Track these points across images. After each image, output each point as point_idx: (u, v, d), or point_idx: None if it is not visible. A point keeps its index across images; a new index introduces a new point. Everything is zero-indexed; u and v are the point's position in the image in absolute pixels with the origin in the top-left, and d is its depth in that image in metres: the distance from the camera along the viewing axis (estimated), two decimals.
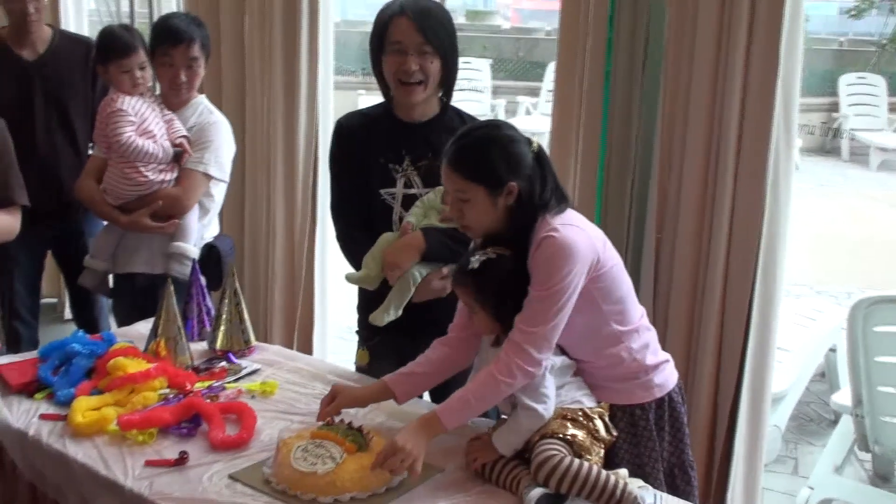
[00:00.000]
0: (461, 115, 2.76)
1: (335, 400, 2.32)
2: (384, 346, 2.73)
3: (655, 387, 2.27)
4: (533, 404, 2.10)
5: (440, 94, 2.71)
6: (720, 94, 2.87)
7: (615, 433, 2.18)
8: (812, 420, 4.65)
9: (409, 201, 2.68)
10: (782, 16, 2.73)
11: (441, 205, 2.57)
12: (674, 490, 2.26)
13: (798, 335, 4.54)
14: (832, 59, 13.38)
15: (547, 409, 2.11)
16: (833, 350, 4.60)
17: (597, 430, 2.12)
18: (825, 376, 4.75)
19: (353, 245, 2.74)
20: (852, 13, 12.78)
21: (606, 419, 2.17)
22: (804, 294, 6.54)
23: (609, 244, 2.22)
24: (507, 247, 2.16)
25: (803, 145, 11.33)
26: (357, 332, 2.89)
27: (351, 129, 2.77)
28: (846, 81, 11.94)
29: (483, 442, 2.16)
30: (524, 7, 19.03)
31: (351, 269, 2.71)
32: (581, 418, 2.12)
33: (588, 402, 2.17)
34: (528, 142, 2.17)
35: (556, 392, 2.14)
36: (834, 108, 11.93)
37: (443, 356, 2.33)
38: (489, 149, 2.13)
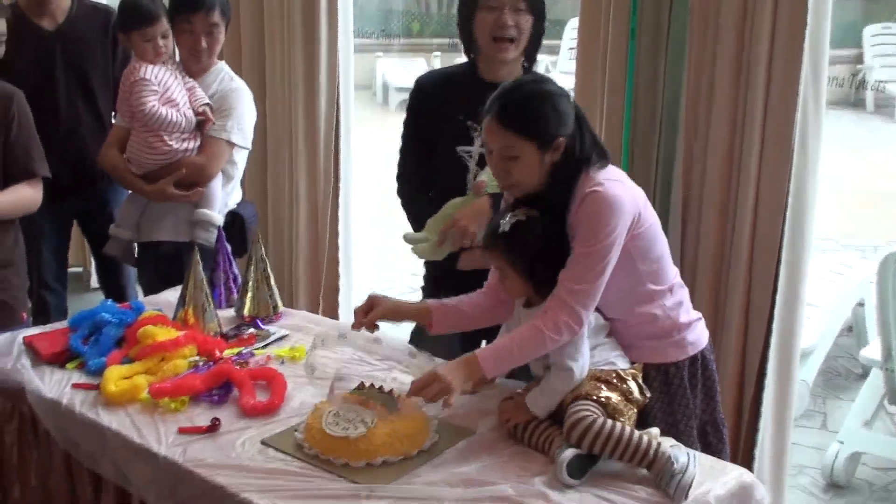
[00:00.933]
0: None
1: (373, 310, 2.31)
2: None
3: (689, 345, 2.27)
4: (569, 362, 2.09)
5: (523, 60, 2.71)
6: (747, 48, 2.82)
7: (649, 395, 2.17)
8: (840, 374, 4.63)
9: (483, 160, 2.64)
10: None
11: None
12: (706, 447, 2.27)
13: (825, 290, 4.51)
14: (857, 9, 13.17)
15: (581, 370, 2.10)
16: (861, 304, 4.58)
17: (630, 392, 2.11)
18: (852, 330, 4.72)
19: (416, 206, 2.75)
20: None
21: (640, 380, 2.16)
22: (830, 249, 6.50)
23: (648, 203, 2.20)
24: (541, 205, 2.13)
25: (827, 98, 11.19)
26: (421, 287, 2.90)
27: (432, 86, 2.80)
28: (871, 32, 11.77)
29: (516, 403, 2.16)
30: None
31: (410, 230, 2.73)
32: (615, 380, 2.11)
33: (622, 364, 2.16)
34: (568, 95, 2.16)
35: (589, 353, 2.13)
36: (859, 59, 11.78)
37: (487, 305, 2.32)
38: (540, 103, 2.10)
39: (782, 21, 2.76)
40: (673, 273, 2.28)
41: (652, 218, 2.19)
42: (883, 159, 9.55)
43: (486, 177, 2.58)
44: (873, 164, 9.37)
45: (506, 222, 2.12)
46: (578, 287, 2.06)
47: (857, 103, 11.83)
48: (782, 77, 2.79)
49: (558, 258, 2.10)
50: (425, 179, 2.79)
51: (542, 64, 11.37)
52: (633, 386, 2.13)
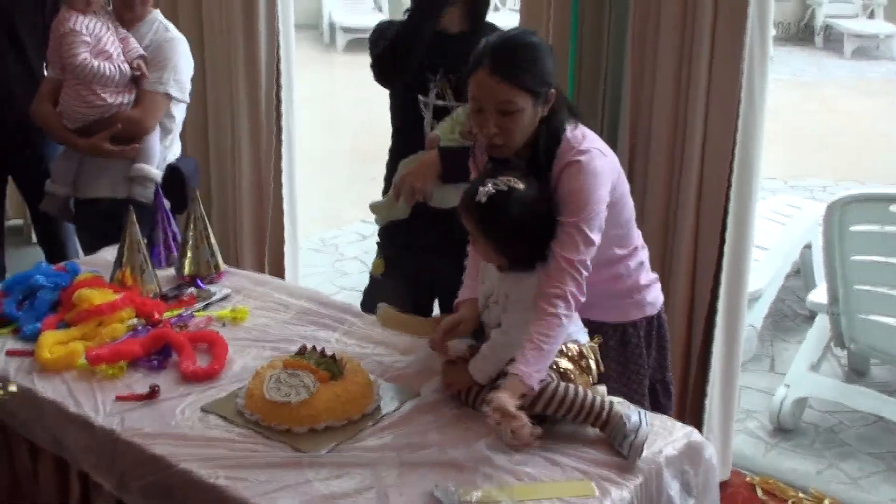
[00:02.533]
0: (497, 30, 2.63)
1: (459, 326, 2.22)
2: (399, 258, 2.70)
3: (647, 305, 2.29)
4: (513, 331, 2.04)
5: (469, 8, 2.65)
6: None
7: (603, 369, 2.13)
8: (787, 317, 4.67)
9: (439, 112, 2.63)
10: None
11: (466, 120, 2.48)
12: (655, 405, 2.29)
13: (773, 232, 4.53)
14: None
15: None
16: (808, 247, 4.60)
17: (588, 368, 2.08)
18: (800, 273, 4.76)
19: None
20: None
21: (598, 356, 2.12)
22: (779, 189, 6.52)
23: (622, 170, 2.17)
24: (524, 170, 2.05)
25: (778, 33, 11.22)
26: (376, 241, 2.85)
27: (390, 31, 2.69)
28: None
29: (459, 369, 2.12)
30: None
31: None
32: (575, 355, 2.07)
33: (583, 339, 2.11)
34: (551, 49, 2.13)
35: None
36: None
37: None
38: (533, 54, 2.04)
39: None
40: (636, 235, 2.28)
41: (624, 185, 2.17)
42: (831, 96, 9.59)
43: (439, 132, 2.55)
44: (822, 100, 9.41)
45: (484, 191, 1.99)
46: (576, 257, 2.00)
47: (805, 39, 11.85)
48: (728, 20, 2.74)
49: (539, 234, 2.03)
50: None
51: (491, 2, 11.26)
52: (591, 362, 2.09)
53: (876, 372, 4.05)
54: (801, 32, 11.93)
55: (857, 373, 4.04)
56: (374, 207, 2.66)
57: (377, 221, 2.73)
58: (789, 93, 9.31)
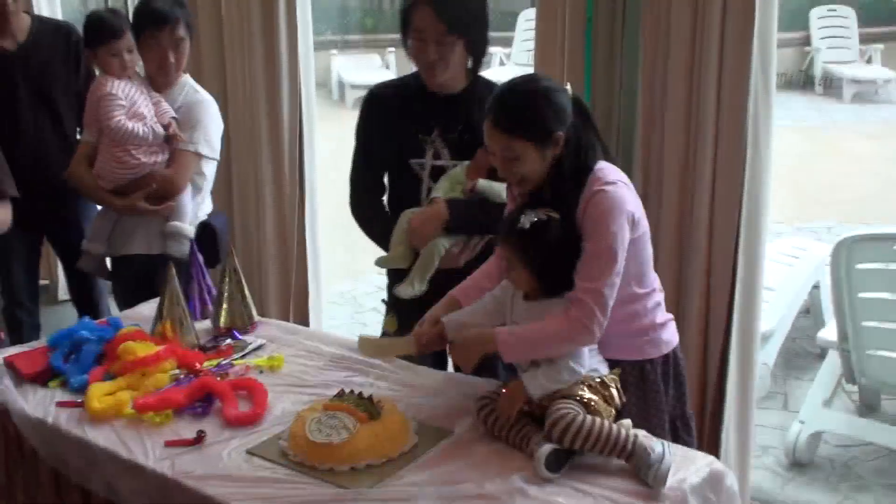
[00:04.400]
0: (491, 87, 2.72)
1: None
2: (411, 311, 2.74)
3: (663, 343, 2.38)
4: (575, 366, 2.15)
5: (469, 66, 2.72)
6: (699, 39, 2.90)
7: (624, 399, 2.23)
8: (799, 355, 4.77)
9: (437, 172, 2.72)
10: None
11: (463, 179, 2.62)
12: (676, 440, 2.35)
13: (782, 273, 4.64)
14: None
15: (583, 368, 2.16)
16: (817, 287, 4.71)
17: (611, 398, 2.18)
18: (810, 312, 4.86)
19: (368, 212, 2.81)
20: None
21: (619, 385, 2.22)
22: (784, 232, 6.64)
23: (644, 212, 2.28)
24: (552, 204, 2.18)
25: (779, 81, 11.40)
26: (383, 301, 2.94)
27: (383, 99, 2.81)
28: (817, 14, 12.00)
29: (509, 394, 2.20)
30: None
31: (379, 252, 2.79)
32: (598, 385, 2.17)
33: (604, 370, 2.21)
34: (565, 90, 2.21)
35: None
36: (806, 42, 12.00)
37: (497, 273, 2.38)
38: (535, 103, 2.15)
39: (731, 14, 2.84)
40: (654, 276, 2.38)
41: (646, 226, 2.28)
42: (832, 139, 9.74)
43: (441, 193, 2.65)
44: (824, 144, 9.55)
45: (526, 219, 2.13)
46: (591, 285, 2.12)
47: (806, 84, 12.04)
48: (732, 71, 2.87)
49: (569, 262, 2.16)
50: (376, 189, 2.83)
51: (496, 56, 11.47)
52: (613, 392, 2.19)
53: (887, 406, 4.13)
54: (801, 79, 12.13)
55: (868, 407, 4.12)
56: (380, 262, 2.76)
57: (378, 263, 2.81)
58: (791, 138, 9.46)
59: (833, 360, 3.84)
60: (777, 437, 3.95)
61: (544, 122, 2.15)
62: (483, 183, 2.62)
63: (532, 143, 2.15)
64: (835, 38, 11.84)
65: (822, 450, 3.85)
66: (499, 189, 2.59)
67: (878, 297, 3.61)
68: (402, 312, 2.79)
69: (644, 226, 2.27)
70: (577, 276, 2.15)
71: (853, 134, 9.97)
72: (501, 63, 11.39)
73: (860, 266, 3.56)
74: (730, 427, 3.15)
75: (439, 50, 2.60)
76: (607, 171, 2.21)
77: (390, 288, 2.85)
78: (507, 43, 11.65)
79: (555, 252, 2.15)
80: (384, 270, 2.93)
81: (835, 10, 12.12)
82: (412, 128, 2.72)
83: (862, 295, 3.59)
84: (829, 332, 3.86)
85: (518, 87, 2.21)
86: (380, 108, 2.81)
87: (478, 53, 2.70)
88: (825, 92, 11.72)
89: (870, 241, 3.57)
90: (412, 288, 2.66)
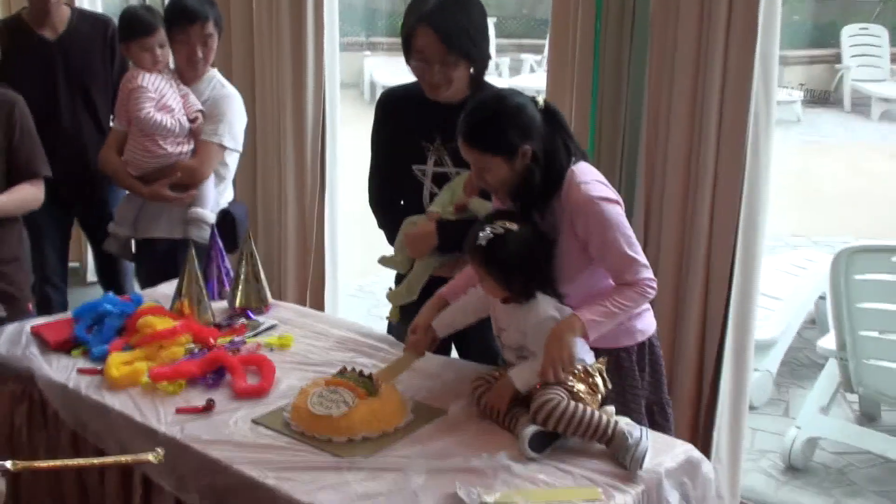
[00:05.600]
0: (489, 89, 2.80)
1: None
2: (414, 306, 2.82)
3: (638, 332, 2.50)
4: None
5: (471, 75, 2.77)
6: (703, 54, 3.00)
7: (610, 386, 2.35)
8: (803, 365, 4.84)
9: (438, 178, 2.82)
10: None
11: (461, 192, 2.72)
12: (653, 425, 2.48)
13: (789, 284, 4.73)
14: (835, 10, 13.42)
15: None
16: (823, 297, 4.78)
17: (595, 385, 2.30)
18: (815, 323, 4.94)
19: (382, 213, 2.94)
20: None
21: (604, 374, 2.34)
22: (802, 245, 6.71)
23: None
24: (523, 209, 2.33)
25: (805, 97, 11.45)
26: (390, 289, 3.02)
27: (390, 104, 2.91)
28: (849, 33, 11.99)
29: (497, 390, 2.33)
30: None
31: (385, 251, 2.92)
32: (582, 374, 2.29)
33: (589, 359, 2.33)
34: (535, 102, 2.34)
35: None
36: (837, 59, 12.00)
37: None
38: (499, 121, 2.29)
39: (735, 29, 2.93)
40: None
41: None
42: (858, 157, 9.77)
43: (439, 207, 2.75)
44: (850, 161, 9.58)
45: (483, 236, 2.26)
46: (632, 266, 2.31)
47: (835, 102, 12.05)
48: (734, 94, 2.97)
49: (535, 267, 2.30)
50: (391, 185, 2.93)
51: (527, 63, 11.59)
52: (598, 379, 2.31)
53: (887, 417, 4.21)
54: (830, 96, 12.15)
55: (868, 417, 4.20)
56: (382, 261, 2.90)
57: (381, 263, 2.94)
58: (818, 154, 9.53)
59: (832, 369, 3.92)
60: (776, 441, 4.03)
61: (508, 138, 2.28)
62: (476, 202, 2.70)
63: (499, 156, 2.30)
64: (866, 56, 11.84)
65: (819, 456, 3.93)
66: (489, 207, 2.66)
67: (876, 308, 3.69)
68: (403, 307, 2.89)
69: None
70: (611, 273, 2.34)
71: (878, 152, 9.99)
72: (532, 70, 11.50)
73: (858, 276, 3.65)
74: (722, 427, 3.23)
75: (443, 70, 2.67)
76: (582, 169, 2.36)
77: (397, 281, 2.97)
78: (538, 50, 11.73)
79: (517, 262, 2.27)
80: None
81: (867, 28, 12.11)
82: (415, 134, 2.82)
83: (860, 305, 3.68)
84: (828, 341, 3.93)
85: (486, 105, 2.34)
86: (388, 113, 2.91)
87: (480, 66, 2.76)
88: (853, 109, 11.72)
89: (868, 252, 3.66)
90: (403, 296, 2.81)
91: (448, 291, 2.58)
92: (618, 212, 2.33)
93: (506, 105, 2.31)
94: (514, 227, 2.28)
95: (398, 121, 2.87)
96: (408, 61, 2.74)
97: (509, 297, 2.34)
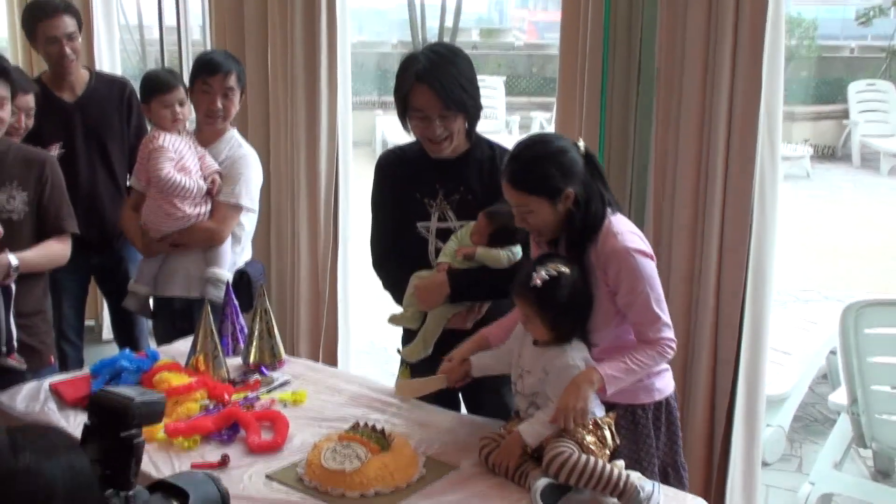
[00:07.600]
0: (491, 146, 2.89)
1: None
2: (423, 364, 2.86)
3: (656, 390, 2.52)
4: None
5: (466, 129, 2.82)
6: (708, 111, 3.07)
7: (619, 441, 2.37)
8: (816, 420, 4.84)
9: (442, 234, 2.85)
10: (764, 29, 2.92)
11: (468, 241, 2.77)
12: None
13: (800, 339, 4.74)
14: (842, 67, 13.58)
15: None
16: (834, 352, 4.78)
17: (605, 438, 2.32)
18: (827, 377, 4.94)
19: (386, 273, 2.96)
20: (861, 20, 12.92)
21: (613, 428, 2.36)
22: (812, 299, 6.73)
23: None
24: (568, 252, 2.39)
25: (815, 153, 11.54)
26: (398, 350, 3.05)
27: (389, 167, 2.96)
28: (856, 89, 12.12)
29: (506, 447, 2.35)
30: (540, 20, 19.23)
31: (393, 309, 2.95)
32: (592, 426, 2.31)
33: (599, 413, 2.35)
34: (577, 146, 2.40)
35: None
36: (845, 115, 12.12)
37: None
38: (544, 164, 2.35)
39: (739, 87, 3.00)
40: None
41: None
42: (868, 212, 9.81)
43: (448, 258, 2.80)
44: (860, 216, 9.62)
45: (537, 276, 2.29)
46: (656, 324, 2.36)
47: (843, 157, 12.14)
48: (739, 140, 3.03)
49: (581, 311, 2.35)
50: (394, 246, 2.95)
51: (537, 121, 11.71)
52: (607, 433, 2.33)
53: None
54: (838, 151, 12.23)
55: (882, 473, 4.18)
56: (392, 320, 2.92)
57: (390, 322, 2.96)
58: (828, 209, 9.56)
59: (844, 423, 3.91)
60: (789, 498, 4.02)
61: (553, 181, 2.34)
62: (481, 251, 2.74)
63: (543, 198, 2.35)
64: (873, 111, 11.95)
65: None
66: (496, 255, 2.73)
67: (887, 362, 3.69)
68: (414, 365, 2.91)
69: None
70: (634, 325, 2.39)
71: (888, 207, 10.03)
72: (541, 127, 11.59)
73: (869, 331, 3.65)
74: (735, 483, 3.24)
75: (443, 124, 2.71)
76: (620, 220, 2.42)
77: (405, 340, 2.99)
78: (547, 108, 11.85)
79: (567, 305, 2.31)
80: None
81: (874, 84, 12.25)
82: (417, 193, 2.86)
83: (870, 359, 3.67)
84: (840, 395, 3.93)
85: (530, 147, 2.42)
86: (387, 176, 2.96)
87: (474, 117, 2.80)
88: (862, 165, 11.80)
89: (878, 306, 3.66)
90: (418, 352, 2.83)
91: (490, 333, 2.61)
92: (651, 266, 2.38)
93: (551, 148, 2.38)
94: (566, 269, 2.32)
95: (399, 180, 2.92)
96: (404, 120, 2.79)
97: (551, 340, 2.36)
